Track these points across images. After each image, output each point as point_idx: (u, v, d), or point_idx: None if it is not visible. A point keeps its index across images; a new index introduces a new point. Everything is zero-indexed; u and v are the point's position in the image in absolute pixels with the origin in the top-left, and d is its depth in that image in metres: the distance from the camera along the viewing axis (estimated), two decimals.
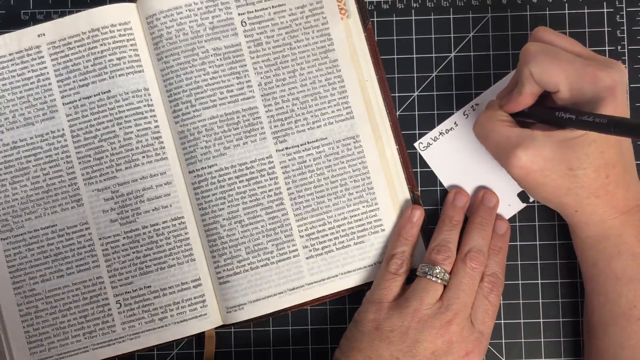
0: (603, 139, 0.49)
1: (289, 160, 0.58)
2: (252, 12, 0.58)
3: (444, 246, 0.55)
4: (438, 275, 0.54)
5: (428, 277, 0.54)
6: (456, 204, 0.58)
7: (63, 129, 0.58)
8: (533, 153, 0.50)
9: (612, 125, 0.45)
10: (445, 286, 0.54)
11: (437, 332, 0.52)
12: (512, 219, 0.59)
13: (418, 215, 0.57)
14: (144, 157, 0.57)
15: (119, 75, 0.57)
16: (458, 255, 0.55)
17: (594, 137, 0.49)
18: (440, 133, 0.60)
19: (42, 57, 0.58)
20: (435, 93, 0.60)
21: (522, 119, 0.54)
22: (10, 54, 0.58)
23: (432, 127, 0.60)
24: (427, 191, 0.60)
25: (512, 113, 0.54)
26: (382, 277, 0.55)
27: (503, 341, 0.59)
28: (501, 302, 0.59)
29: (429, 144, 0.60)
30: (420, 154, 0.60)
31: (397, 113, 0.60)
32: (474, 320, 0.54)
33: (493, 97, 0.60)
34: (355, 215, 0.58)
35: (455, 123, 0.60)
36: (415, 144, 0.60)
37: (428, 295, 0.53)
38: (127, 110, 0.57)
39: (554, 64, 0.50)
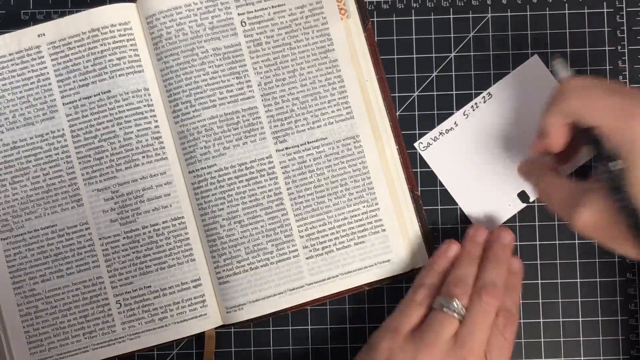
0: None
1: (289, 160, 0.58)
2: (252, 12, 0.58)
3: (462, 280, 0.54)
4: (455, 309, 0.52)
5: (445, 309, 0.52)
6: (476, 239, 0.57)
7: (63, 129, 0.58)
8: (596, 209, 0.48)
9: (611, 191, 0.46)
10: (460, 322, 0.53)
11: None
12: (512, 219, 0.59)
13: (453, 250, 0.56)
14: (144, 157, 0.57)
15: (119, 75, 0.57)
16: (473, 289, 0.54)
17: None
18: (440, 133, 0.60)
19: (42, 57, 0.58)
20: (435, 93, 0.60)
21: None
22: (10, 54, 0.58)
23: (432, 127, 0.60)
24: (427, 191, 0.60)
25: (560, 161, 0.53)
26: (407, 305, 0.54)
27: None
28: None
29: (429, 144, 0.60)
30: (420, 154, 0.60)
31: (397, 113, 0.60)
32: (489, 358, 0.52)
33: (494, 95, 0.60)
34: (356, 216, 0.58)
35: (455, 123, 0.60)
36: (415, 144, 0.60)
37: (443, 329, 0.52)
38: (127, 110, 0.57)
39: (593, 97, 0.49)
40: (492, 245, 0.57)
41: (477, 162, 0.60)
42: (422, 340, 0.51)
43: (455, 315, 0.52)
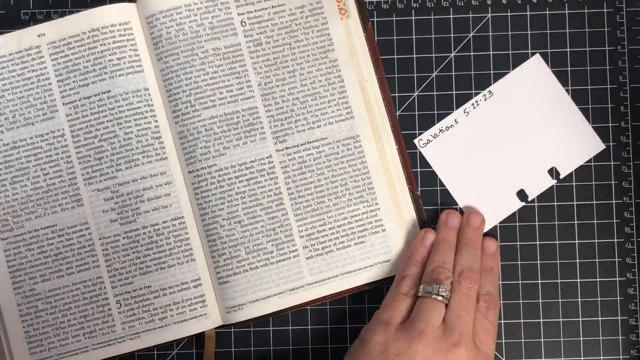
0: None
1: (289, 160, 0.58)
2: (252, 12, 0.58)
3: (441, 267, 0.55)
4: (441, 294, 0.53)
5: (432, 296, 0.53)
6: (449, 225, 0.58)
7: (63, 129, 0.58)
8: None
9: None
10: (446, 306, 0.53)
11: (445, 357, 0.51)
12: (512, 219, 0.59)
13: (430, 238, 0.57)
14: (144, 157, 0.57)
15: (119, 75, 0.57)
16: (453, 277, 0.55)
17: None
18: (440, 130, 0.60)
19: (42, 57, 0.58)
20: (435, 93, 0.60)
21: None
22: (10, 54, 0.58)
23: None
24: (427, 191, 0.60)
25: None
26: (393, 297, 0.55)
27: (503, 341, 0.59)
28: (501, 302, 0.59)
29: (428, 141, 0.60)
30: (420, 154, 0.60)
31: (397, 113, 0.60)
32: (477, 342, 0.53)
33: (494, 93, 0.60)
34: (356, 215, 0.58)
35: (455, 120, 0.60)
36: (415, 141, 0.60)
37: (432, 315, 0.52)
38: (127, 110, 0.57)
39: None
40: (464, 230, 0.58)
41: (476, 159, 0.60)
42: (414, 329, 0.52)
43: (440, 299, 0.53)
